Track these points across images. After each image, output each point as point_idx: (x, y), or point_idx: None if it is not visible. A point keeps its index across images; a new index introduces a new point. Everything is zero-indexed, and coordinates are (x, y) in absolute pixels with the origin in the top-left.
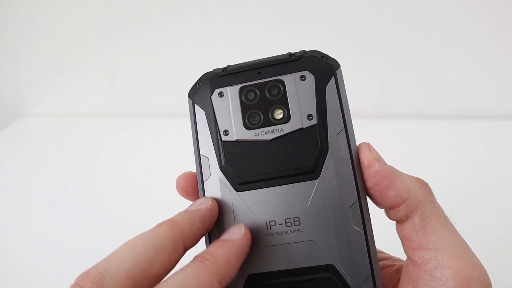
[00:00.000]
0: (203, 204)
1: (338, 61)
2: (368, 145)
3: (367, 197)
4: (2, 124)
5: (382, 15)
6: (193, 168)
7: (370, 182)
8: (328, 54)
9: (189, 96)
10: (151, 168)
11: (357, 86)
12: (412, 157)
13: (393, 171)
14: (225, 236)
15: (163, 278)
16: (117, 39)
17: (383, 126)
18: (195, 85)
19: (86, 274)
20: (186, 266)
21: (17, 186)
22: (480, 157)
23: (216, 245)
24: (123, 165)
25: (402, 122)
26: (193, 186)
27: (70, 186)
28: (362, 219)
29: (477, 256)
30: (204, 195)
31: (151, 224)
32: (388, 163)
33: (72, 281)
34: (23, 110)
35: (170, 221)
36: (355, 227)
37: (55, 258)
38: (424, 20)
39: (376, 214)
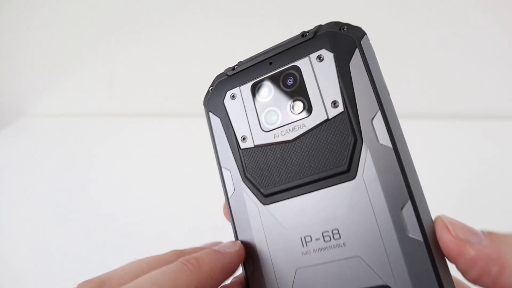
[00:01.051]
0: (231, 248)
1: (363, 28)
2: (444, 222)
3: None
4: (2, 124)
5: (382, 15)
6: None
7: (471, 274)
8: (349, 22)
9: (204, 103)
10: (151, 168)
11: None
12: (412, 157)
13: (499, 249)
14: (218, 247)
15: None
16: (116, 39)
17: None
18: (208, 90)
19: (88, 281)
20: (168, 266)
21: (16, 185)
22: (482, 157)
23: (205, 252)
24: (123, 165)
25: (402, 122)
26: None
27: (69, 185)
28: (419, 224)
29: None
30: (231, 213)
31: (151, 224)
32: (479, 229)
33: (71, 281)
34: (23, 110)
35: (194, 259)
36: (411, 236)
37: (55, 258)
38: (425, 20)
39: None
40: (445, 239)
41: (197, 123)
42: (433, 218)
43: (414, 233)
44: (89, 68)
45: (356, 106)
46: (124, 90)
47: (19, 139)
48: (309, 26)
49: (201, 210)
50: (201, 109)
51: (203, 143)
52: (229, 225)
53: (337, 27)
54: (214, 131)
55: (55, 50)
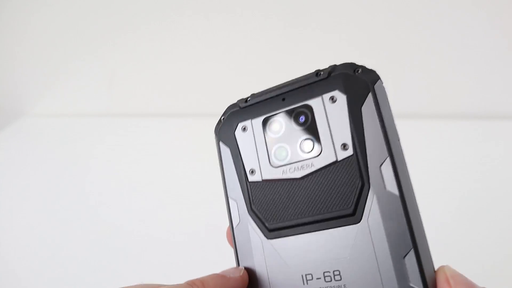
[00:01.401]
0: (235, 273)
1: (377, 72)
2: (447, 276)
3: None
4: (1, 124)
5: (382, 14)
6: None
7: None
8: (364, 65)
9: (215, 132)
10: (151, 168)
11: None
12: (412, 158)
13: None
14: (223, 272)
15: None
16: (116, 39)
17: None
18: (220, 120)
19: None
20: (175, 286)
21: (16, 185)
22: (482, 157)
23: (210, 277)
24: (123, 165)
25: (402, 122)
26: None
27: (69, 185)
28: (421, 274)
29: (474, 257)
30: (235, 244)
31: (151, 224)
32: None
33: (71, 281)
34: (23, 110)
35: (199, 282)
36: (412, 285)
37: (54, 258)
38: (425, 20)
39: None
40: None
41: (197, 123)
42: (435, 265)
43: (415, 282)
44: (89, 68)
45: (366, 151)
46: (124, 90)
47: (19, 139)
48: (310, 29)
49: (201, 210)
50: (201, 109)
51: (203, 143)
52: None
53: (352, 69)
54: (223, 161)
55: (55, 50)
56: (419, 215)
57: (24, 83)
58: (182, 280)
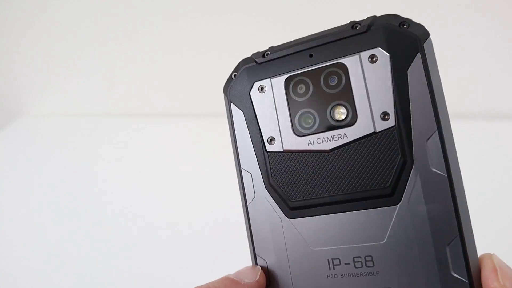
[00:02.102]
0: (250, 276)
1: (426, 28)
2: (494, 266)
3: None
4: (1, 124)
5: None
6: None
7: None
8: (410, 18)
9: (224, 91)
10: (151, 168)
11: None
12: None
13: None
14: (237, 276)
15: None
16: (117, 39)
17: None
18: (230, 76)
19: None
20: None
21: (16, 185)
22: (482, 158)
23: (223, 283)
24: (123, 165)
25: None
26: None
27: (68, 186)
28: (466, 264)
29: None
30: (248, 220)
31: (152, 224)
32: None
33: (72, 282)
34: (22, 110)
35: None
36: (455, 275)
37: (53, 258)
38: (425, 19)
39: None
40: (491, 286)
41: (198, 123)
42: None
43: (459, 272)
44: (90, 68)
45: (410, 122)
46: (124, 90)
47: (19, 139)
48: (311, 30)
49: (204, 210)
50: (203, 109)
51: (204, 143)
52: (231, 226)
53: (397, 22)
54: (235, 127)
55: (55, 50)
56: (465, 199)
57: (24, 83)
58: (187, 282)
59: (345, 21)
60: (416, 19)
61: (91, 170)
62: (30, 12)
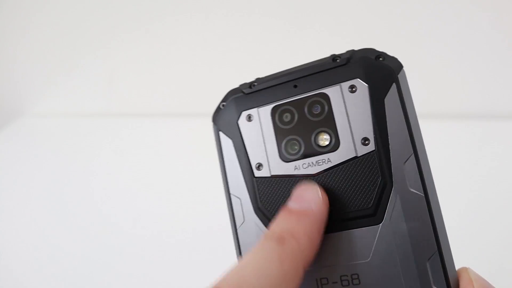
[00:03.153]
0: (313, 201)
1: (400, 61)
2: (470, 279)
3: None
4: (1, 124)
5: (381, 14)
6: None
7: None
8: (385, 52)
9: (213, 120)
10: (152, 168)
11: None
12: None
13: None
14: (300, 205)
15: None
16: (116, 39)
17: None
18: (218, 106)
19: None
20: (263, 249)
21: (16, 185)
22: (482, 158)
23: (293, 219)
24: (123, 165)
25: None
26: None
27: (68, 186)
28: (445, 277)
29: (476, 259)
30: (238, 244)
31: (152, 225)
32: None
33: (72, 282)
34: (22, 110)
35: (288, 235)
36: None
37: (53, 258)
38: (425, 19)
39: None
40: None
41: (198, 123)
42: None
43: (439, 285)
44: (89, 68)
45: (389, 146)
46: (124, 90)
47: (18, 139)
48: (312, 30)
49: (202, 211)
50: (202, 108)
51: (204, 143)
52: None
53: (373, 55)
54: (224, 154)
55: (55, 50)
56: (442, 216)
57: (23, 83)
58: (185, 280)
59: (326, 54)
60: (416, 19)
61: (91, 170)
62: (30, 12)
